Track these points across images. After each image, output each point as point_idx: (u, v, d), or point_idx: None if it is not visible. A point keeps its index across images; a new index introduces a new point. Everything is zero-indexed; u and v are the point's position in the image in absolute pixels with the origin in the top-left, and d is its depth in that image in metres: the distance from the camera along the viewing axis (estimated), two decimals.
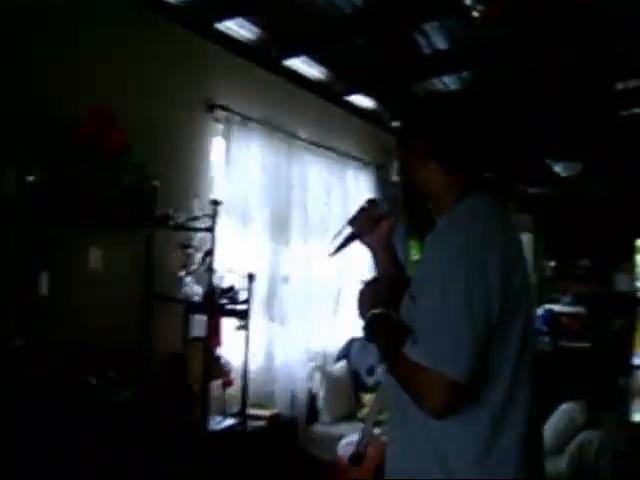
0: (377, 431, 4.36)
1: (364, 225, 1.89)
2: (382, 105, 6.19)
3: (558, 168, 6.62)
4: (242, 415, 3.92)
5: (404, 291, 1.73)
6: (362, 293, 1.74)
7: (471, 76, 5.64)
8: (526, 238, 8.96)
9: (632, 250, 9.66)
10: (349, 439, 4.27)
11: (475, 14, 3.42)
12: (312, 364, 5.04)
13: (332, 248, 1.96)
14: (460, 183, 1.68)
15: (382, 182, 6.30)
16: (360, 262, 5.29)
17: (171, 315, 3.85)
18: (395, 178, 6.35)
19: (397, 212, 1.92)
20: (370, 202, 1.92)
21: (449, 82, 5.74)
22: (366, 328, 1.67)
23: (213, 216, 3.65)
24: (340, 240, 1.94)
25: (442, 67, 5.36)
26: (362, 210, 1.91)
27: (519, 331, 1.51)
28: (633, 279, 9.63)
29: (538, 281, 9.24)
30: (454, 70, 5.48)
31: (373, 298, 1.71)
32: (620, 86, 5.94)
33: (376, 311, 1.66)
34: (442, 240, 1.57)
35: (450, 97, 1.88)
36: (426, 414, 1.46)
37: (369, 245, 1.93)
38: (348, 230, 1.94)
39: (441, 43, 4.91)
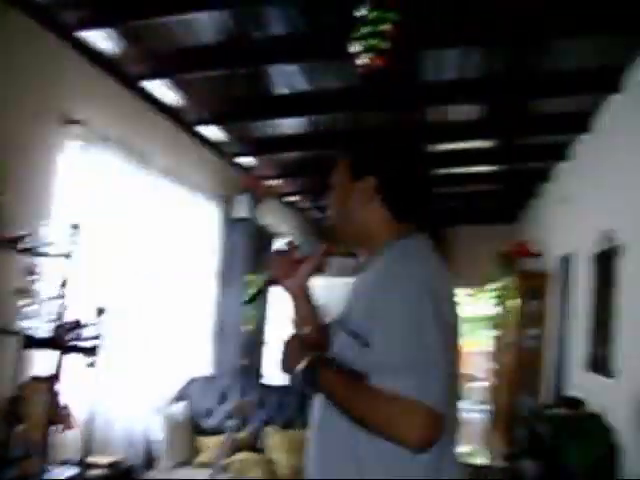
0: (225, 476, 4.19)
1: (282, 269, 1.81)
2: (231, 139, 6.11)
3: None
4: (82, 464, 3.53)
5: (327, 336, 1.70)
6: (287, 343, 1.67)
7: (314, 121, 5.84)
8: None
9: None
10: None
11: (361, 62, 3.48)
12: (152, 406, 4.71)
13: (247, 295, 1.88)
14: (401, 227, 1.65)
15: (227, 217, 6.18)
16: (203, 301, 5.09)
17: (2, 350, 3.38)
18: (243, 214, 6.27)
19: (319, 256, 1.84)
20: (289, 244, 1.85)
21: (291, 124, 5.88)
22: (306, 374, 1.55)
23: (70, 241, 3.29)
24: (255, 287, 1.87)
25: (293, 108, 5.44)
26: (279, 253, 1.84)
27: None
28: None
29: None
30: (302, 114, 5.60)
31: (301, 346, 1.63)
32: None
33: (312, 356, 1.57)
34: (396, 278, 1.50)
35: (404, 137, 1.81)
36: (410, 446, 1.40)
37: (287, 290, 1.84)
38: (265, 275, 1.86)
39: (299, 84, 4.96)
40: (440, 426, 1.40)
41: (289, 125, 6.00)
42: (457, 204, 9.15)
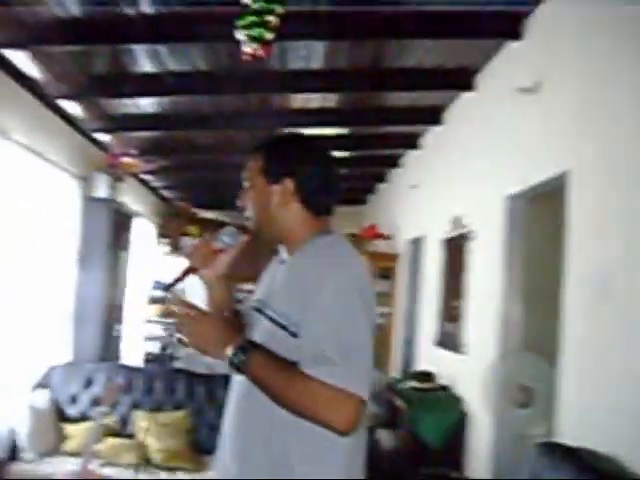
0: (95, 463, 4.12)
1: (200, 258, 1.86)
2: (91, 116, 5.89)
3: None
4: None
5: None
6: (211, 325, 1.66)
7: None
8: None
9: None
10: (63, 476, 3.91)
11: (247, 49, 3.53)
12: (12, 396, 4.48)
13: (168, 281, 1.91)
14: (318, 222, 1.77)
15: (87, 196, 5.96)
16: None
17: None
18: (102, 193, 6.07)
19: (239, 246, 1.91)
20: (209, 235, 1.91)
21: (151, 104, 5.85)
22: (236, 357, 1.60)
23: None
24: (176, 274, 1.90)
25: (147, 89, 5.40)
26: (199, 243, 1.90)
27: None
28: None
29: None
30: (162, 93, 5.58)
31: (227, 329, 1.67)
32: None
33: (243, 341, 1.63)
34: (327, 273, 1.59)
35: (313, 139, 1.92)
36: (340, 431, 1.51)
37: (205, 278, 1.89)
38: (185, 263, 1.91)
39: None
40: (364, 412, 1.54)
41: (149, 104, 5.92)
42: None
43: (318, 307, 1.55)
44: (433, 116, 6.33)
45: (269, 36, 3.49)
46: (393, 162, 8.26)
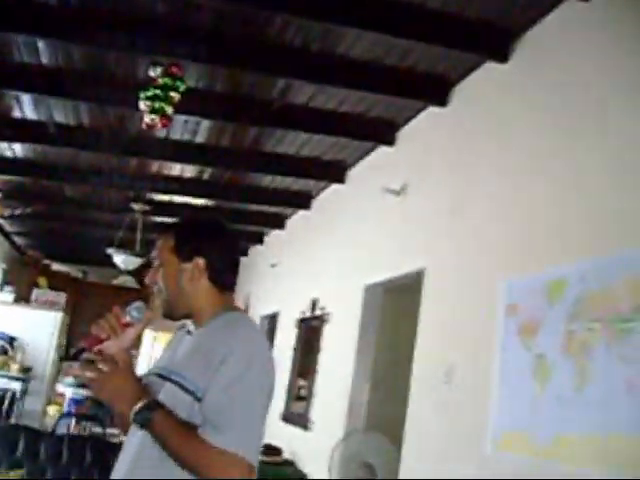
0: None
1: (109, 329, 1.85)
2: None
3: (119, 260, 7.00)
4: None
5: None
6: (124, 380, 1.76)
7: None
8: (58, 316, 8.94)
9: None
10: None
11: (147, 120, 3.70)
12: None
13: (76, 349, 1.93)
14: (224, 298, 1.95)
15: None
16: None
17: None
18: None
19: (146, 322, 1.97)
20: (119, 308, 1.93)
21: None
22: (141, 414, 1.69)
23: None
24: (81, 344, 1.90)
25: None
26: (109, 314, 1.90)
27: None
28: None
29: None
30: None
31: (138, 387, 1.78)
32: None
33: (151, 400, 1.75)
34: (232, 347, 1.73)
35: (220, 222, 2.12)
36: None
37: (110, 350, 1.86)
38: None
39: None
40: (253, 476, 1.69)
41: (24, 149, 5.85)
42: None
43: (221, 377, 1.69)
44: (302, 200, 6.71)
45: (169, 110, 3.70)
46: (256, 238, 8.51)
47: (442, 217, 4.01)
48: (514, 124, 3.48)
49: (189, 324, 1.94)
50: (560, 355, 2.73)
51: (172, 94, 3.67)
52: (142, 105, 3.69)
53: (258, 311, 8.00)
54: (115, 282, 9.91)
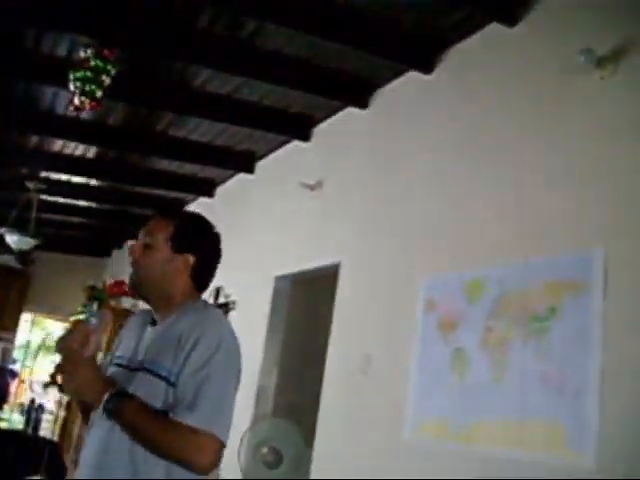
0: None
1: (81, 340, 1.86)
2: None
3: (11, 240, 6.66)
4: None
5: None
6: (89, 371, 1.80)
7: None
8: None
9: None
10: None
11: (77, 102, 3.61)
12: None
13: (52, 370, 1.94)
14: (196, 295, 2.03)
15: None
16: None
17: None
18: None
19: (104, 325, 2.04)
20: (79, 321, 2.01)
21: None
22: (111, 403, 1.73)
23: None
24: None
25: None
26: (78, 327, 1.92)
27: None
28: None
29: None
30: None
31: (103, 377, 1.84)
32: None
33: (118, 389, 1.80)
34: (202, 334, 1.81)
35: (213, 227, 2.19)
36: (203, 471, 1.74)
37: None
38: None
39: None
40: (222, 455, 1.79)
41: None
42: (50, 231, 8.99)
43: (192, 360, 1.78)
44: (204, 187, 6.69)
45: (100, 94, 3.64)
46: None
47: (358, 213, 4.22)
48: (434, 129, 3.73)
49: (149, 313, 1.98)
50: (479, 349, 3.01)
51: (103, 77, 3.61)
52: (72, 86, 3.61)
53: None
54: None
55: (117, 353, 2.01)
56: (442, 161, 3.60)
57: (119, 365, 1.94)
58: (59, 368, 1.82)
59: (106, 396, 1.75)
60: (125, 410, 1.75)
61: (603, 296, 2.51)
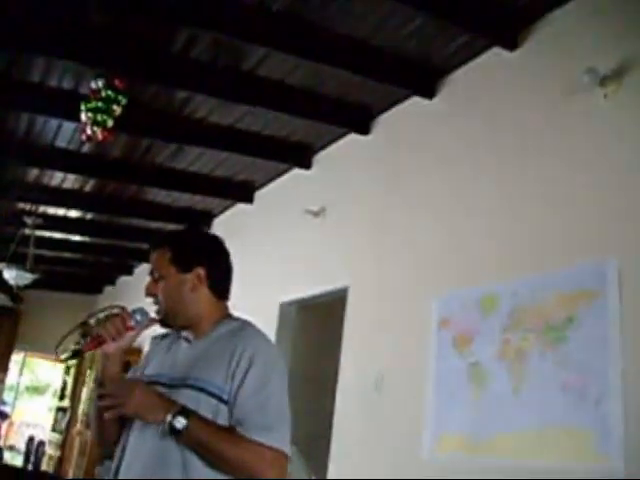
0: None
1: (111, 330, 1.89)
2: None
3: (9, 275, 6.64)
4: None
5: None
6: (145, 392, 1.80)
7: None
8: None
9: None
10: None
11: (89, 132, 3.67)
12: None
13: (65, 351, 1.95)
14: (221, 305, 2.07)
15: None
16: None
17: None
18: None
19: (145, 326, 2.04)
20: (123, 309, 1.97)
21: None
22: (177, 421, 1.72)
23: None
24: (82, 340, 1.93)
25: None
26: (114, 315, 1.94)
27: None
28: None
29: None
30: None
31: (160, 396, 1.82)
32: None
33: (181, 406, 1.82)
34: (254, 352, 1.84)
35: (211, 233, 2.23)
36: None
37: (108, 351, 1.94)
38: (93, 328, 1.97)
39: None
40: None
41: None
42: (42, 267, 8.93)
43: (251, 381, 1.80)
44: (203, 219, 6.74)
45: (111, 123, 3.71)
46: (141, 255, 8.32)
47: (364, 237, 4.29)
48: (437, 153, 3.83)
49: (185, 332, 1.97)
50: (496, 362, 3.06)
51: (114, 107, 3.68)
52: (83, 117, 3.67)
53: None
54: None
55: (148, 371, 1.99)
56: (446, 182, 3.69)
57: (156, 382, 1.91)
58: (103, 394, 1.82)
59: (170, 415, 1.74)
60: (194, 427, 1.75)
61: (619, 302, 2.59)
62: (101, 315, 1.98)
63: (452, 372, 3.29)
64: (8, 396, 11.38)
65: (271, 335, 4.94)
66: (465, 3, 3.31)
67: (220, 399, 1.81)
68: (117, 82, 3.71)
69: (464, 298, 3.36)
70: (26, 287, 7.35)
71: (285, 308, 5.00)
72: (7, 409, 10.68)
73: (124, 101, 3.73)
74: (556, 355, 2.79)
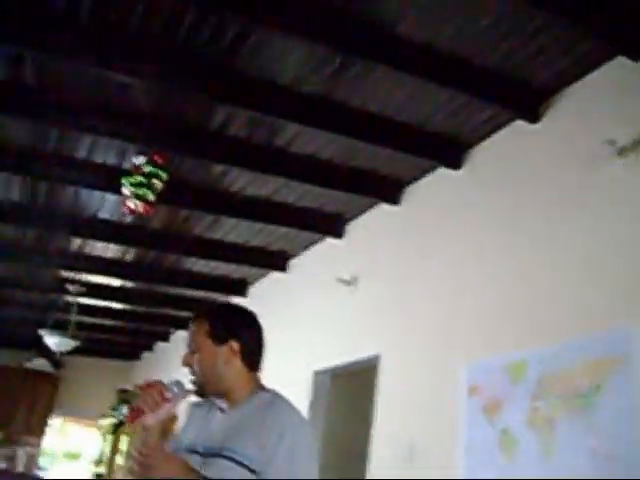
0: None
1: (150, 403, 1.93)
2: None
3: (52, 342, 6.84)
4: None
5: None
6: (179, 466, 1.87)
7: None
8: None
9: None
10: None
11: (132, 205, 3.88)
12: None
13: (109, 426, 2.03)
14: (253, 376, 2.13)
15: None
16: None
17: None
18: None
19: (181, 397, 2.03)
20: (160, 382, 2.03)
21: None
22: None
23: None
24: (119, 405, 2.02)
25: None
26: (151, 385, 1.99)
27: None
28: None
29: None
30: None
31: (191, 469, 1.89)
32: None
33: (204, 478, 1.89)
34: (281, 422, 1.93)
35: (245, 308, 2.34)
36: None
37: (147, 422, 1.97)
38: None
39: None
40: None
41: None
42: (82, 334, 9.12)
43: (281, 455, 1.87)
44: (238, 288, 6.89)
45: (152, 197, 3.90)
46: (178, 323, 8.47)
47: (395, 306, 4.36)
48: (464, 223, 3.93)
49: (218, 402, 2.05)
50: (525, 429, 3.07)
51: (155, 182, 3.88)
52: (126, 191, 3.88)
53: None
54: (29, 365, 9.52)
55: (186, 438, 2.07)
56: (473, 252, 3.78)
57: (191, 451, 2.00)
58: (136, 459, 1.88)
59: None
60: None
61: None
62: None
63: (483, 439, 3.30)
64: (44, 461, 11.41)
65: (305, 403, 5.00)
66: (488, 78, 3.45)
67: (249, 469, 1.87)
68: (158, 158, 3.93)
69: (492, 365, 3.39)
70: (67, 352, 7.55)
71: (319, 376, 5.04)
72: (42, 474, 10.68)
73: (165, 176, 3.94)
74: (584, 421, 2.80)
